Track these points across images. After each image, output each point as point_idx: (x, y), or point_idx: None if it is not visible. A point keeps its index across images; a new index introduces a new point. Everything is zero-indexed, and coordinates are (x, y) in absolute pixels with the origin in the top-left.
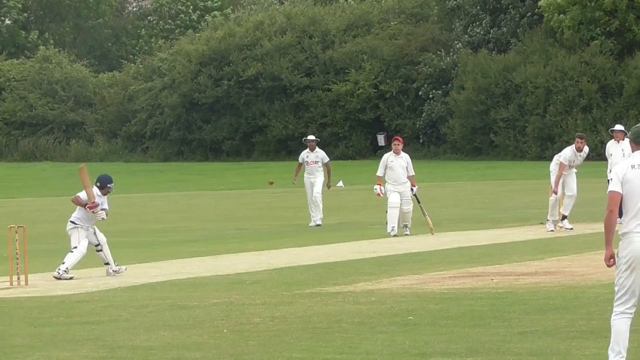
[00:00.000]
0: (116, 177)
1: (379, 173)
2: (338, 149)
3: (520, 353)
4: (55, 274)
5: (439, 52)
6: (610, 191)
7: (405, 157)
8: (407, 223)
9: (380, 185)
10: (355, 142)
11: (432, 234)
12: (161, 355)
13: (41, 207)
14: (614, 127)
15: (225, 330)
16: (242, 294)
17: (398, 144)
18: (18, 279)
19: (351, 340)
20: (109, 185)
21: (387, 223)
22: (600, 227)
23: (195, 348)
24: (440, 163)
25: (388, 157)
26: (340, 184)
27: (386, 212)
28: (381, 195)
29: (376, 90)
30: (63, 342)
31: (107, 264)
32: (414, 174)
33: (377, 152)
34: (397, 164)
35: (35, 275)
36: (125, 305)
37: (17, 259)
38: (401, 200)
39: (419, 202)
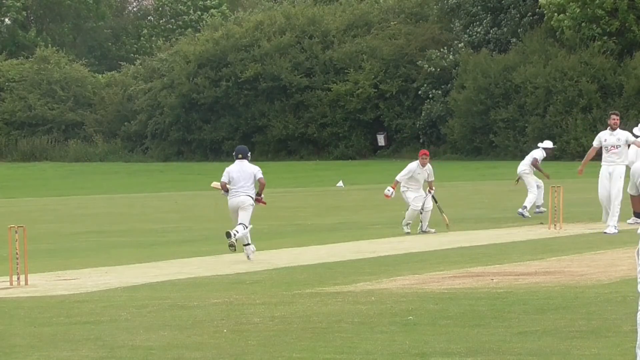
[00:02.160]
0: (116, 177)
1: (400, 178)
2: (338, 149)
3: (520, 353)
4: (249, 253)
5: (442, 50)
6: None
7: (428, 169)
8: (427, 223)
9: (394, 188)
10: (355, 142)
11: (448, 229)
12: (161, 355)
13: (41, 207)
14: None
15: (225, 330)
16: (242, 294)
17: (425, 158)
18: (18, 279)
19: (351, 340)
20: (248, 154)
21: (404, 219)
22: (599, 227)
23: (195, 348)
24: (440, 163)
25: (415, 168)
26: (340, 184)
27: (406, 210)
28: (390, 197)
29: (376, 90)
30: (63, 342)
31: (248, 244)
32: (433, 179)
33: (377, 152)
34: (421, 177)
35: (35, 275)
36: (125, 305)
37: (17, 259)
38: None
39: (436, 202)
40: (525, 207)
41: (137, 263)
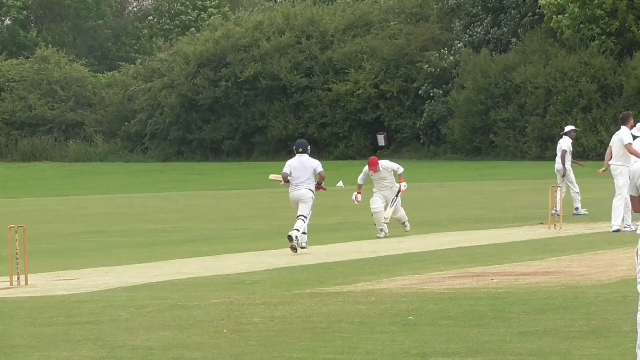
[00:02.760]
0: (116, 177)
1: (360, 181)
2: (338, 149)
3: (520, 353)
4: (303, 245)
5: (442, 51)
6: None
7: (385, 168)
8: (404, 221)
9: (359, 193)
10: (355, 142)
11: (386, 222)
12: (161, 355)
13: (41, 207)
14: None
15: (225, 330)
16: (242, 294)
17: (374, 165)
18: (18, 279)
19: (351, 340)
20: (308, 148)
21: (375, 226)
22: (599, 227)
23: (195, 348)
24: (440, 163)
25: (368, 172)
26: (340, 184)
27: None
28: (356, 202)
29: (376, 90)
30: (63, 342)
31: (304, 233)
32: (402, 171)
33: (377, 152)
34: (378, 178)
35: (35, 275)
36: (125, 305)
37: (17, 259)
38: (389, 206)
39: (396, 196)
40: (577, 207)
41: (137, 263)
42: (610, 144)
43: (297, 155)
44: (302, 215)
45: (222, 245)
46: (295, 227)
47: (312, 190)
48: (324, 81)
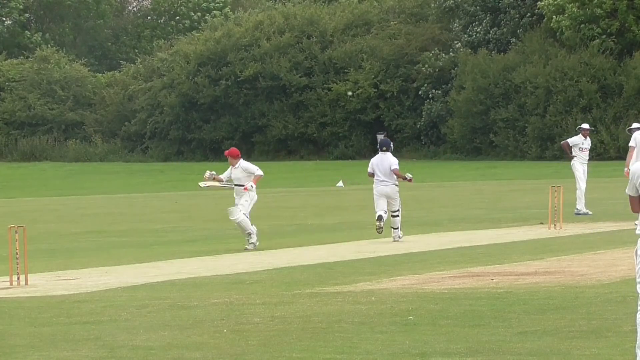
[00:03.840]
0: (116, 177)
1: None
2: (338, 149)
3: (520, 353)
4: (397, 238)
5: (435, 51)
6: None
7: (241, 168)
8: (248, 232)
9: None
10: (355, 142)
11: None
12: (161, 355)
13: (41, 207)
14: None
15: (225, 330)
16: (242, 294)
17: (235, 158)
18: (18, 279)
19: (351, 340)
20: (391, 145)
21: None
22: (599, 227)
23: (195, 348)
24: (440, 163)
25: (230, 172)
26: (340, 184)
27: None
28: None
29: (376, 90)
30: (63, 342)
31: (395, 228)
32: (259, 174)
33: (377, 152)
34: (236, 178)
35: (35, 275)
36: (125, 305)
37: (17, 259)
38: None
39: (222, 182)
40: (578, 208)
41: (137, 263)
42: (631, 144)
43: (380, 153)
44: (395, 211)
45: (222, 245)
46: (392, 226)
47: (396, 185)
48: (324, 81)
